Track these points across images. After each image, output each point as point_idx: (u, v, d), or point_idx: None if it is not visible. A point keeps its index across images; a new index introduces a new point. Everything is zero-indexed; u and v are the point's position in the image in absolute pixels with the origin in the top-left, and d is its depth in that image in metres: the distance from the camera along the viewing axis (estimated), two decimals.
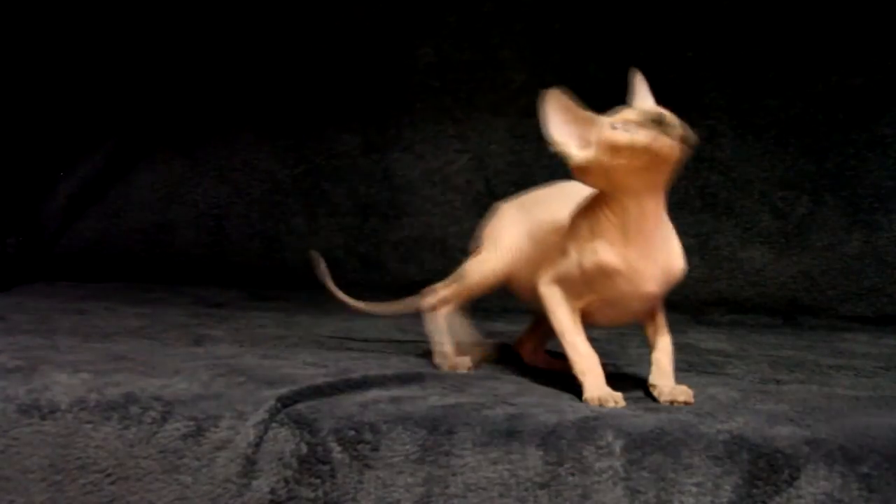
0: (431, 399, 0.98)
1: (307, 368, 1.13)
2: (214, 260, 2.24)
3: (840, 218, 1.92)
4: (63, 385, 1.00)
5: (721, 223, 1.98)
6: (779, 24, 1.98)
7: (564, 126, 1.04)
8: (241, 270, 2.21)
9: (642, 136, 0.97)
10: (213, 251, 2.24)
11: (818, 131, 1.95)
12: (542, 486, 0.85)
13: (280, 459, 0.90)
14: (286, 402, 0.96)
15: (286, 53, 2.23)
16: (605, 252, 1.02)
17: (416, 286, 1.97)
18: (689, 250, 1.94)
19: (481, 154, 2.11)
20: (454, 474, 0.87)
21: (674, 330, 1.75)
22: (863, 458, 0.83)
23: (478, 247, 1.26)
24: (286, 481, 0.90)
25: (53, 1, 2.21)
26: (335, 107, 2.23)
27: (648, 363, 1.10)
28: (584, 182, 1.04)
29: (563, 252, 1.07)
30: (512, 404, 0.97)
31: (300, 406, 0.95)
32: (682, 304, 1.96)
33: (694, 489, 0.83)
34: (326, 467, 0.89)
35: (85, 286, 2.08)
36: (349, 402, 0.96)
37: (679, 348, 1.49)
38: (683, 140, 0.98)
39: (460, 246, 2.06)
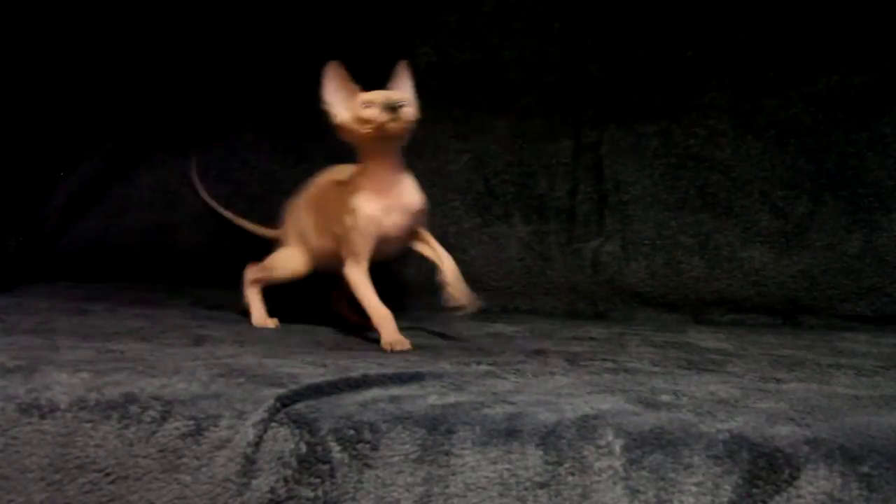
0: (431, 398, 0.98)
1: (307, 368, 1.13)
2: (214, 260, 2.23)
3: (840, 218, 1.92)
4: (63, 385, 1.00)
5: (721, 223, 1.98)
6: (779, 24, 1.98)
7: (335, 93, 1.41)
8: (241, 270, 2.21)
9: (380, 117, 1.36)
10: (213, 251, 2.24)
11: (818, 131, 1.95)
12: (542, 485, 0.85)
13: (280, 459, 0.90)
14: (286, 401, 0.96)
15: (286, 53, 2.23)
16: (364, 208, 1.42)
17: (416, 286, 1.98)
18: (689, 250, 1.99)
19: (481, 154, 2.11)
20: (454, 474, 0.87)
21: (674, 329, 1.77)
22: (863, 458, 0.82)
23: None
24: (286, 481, 0.89)
25: (53, 2, 2.21)
26: None
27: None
28: (342, 136, 1.43)
29: (344, 229, 1.44)
30: (511, 403, 0.97)
31: (300, 405, 0.95)
32: (682, 303, 1.96)
33: (694, 489, 0.83)
34: (326, 467, 0.89)
35: (85, 286, 2.08)
36: (349, 402, 0.96)
37: (679, 347, 1.50)
38: (406, 121, 1.38)
39: (460, 246, 2.06)
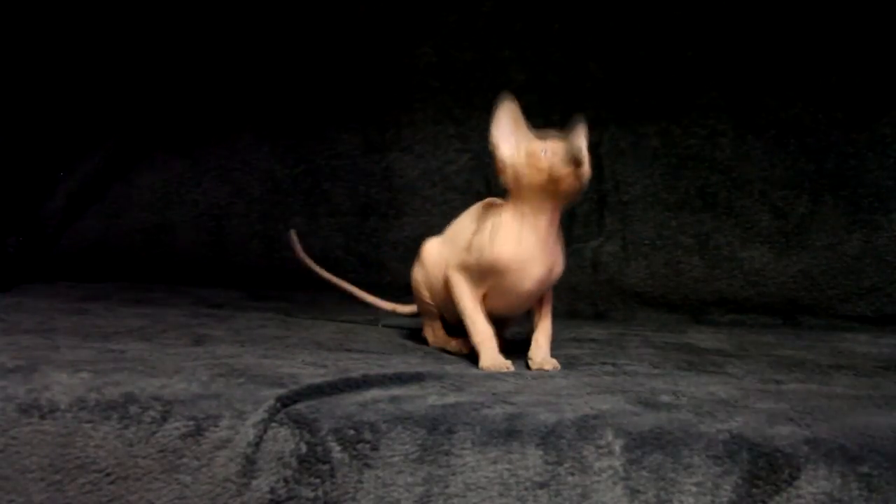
0: (431, 398, 0.98)
1: (307, 368, 1.13)
2: (214, 260, 2.24)
3: (840, 218, 1.92)
4: (63, 385, 1.00)
5: (721, 223, 1.98)
6: (779, 24, 1.98)
7: (506, 130, 1.23)
8: (241, 270, 2.21)
9: (559, 167, 1.18)
10: (213, 251, 2.24)
11: (818, 131, 1.95)
12: (542, 485, 0.85)
13: (280, 459, 0.90)
14: (286, 401, 0.96)
15: (286, 53, 2.23)
16: (500, 248, 1.22)
17: None
18: (689, 250, 1.99)
19: (481, 154, 2.11)
20: (454, 474, 0.87)
21: (674, 330, 1.77)
22: (863, 458, 0.82)
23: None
24: (286, 481, 0.89)
25: (53, 1, 2.21)
26: (335, 107, 2.23)
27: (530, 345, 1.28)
28: (500, 177, 1.25)
29: (468, 246, 1.27)
30: (511, 403, 0.97)
31: (300, 406, 0.95)
32: (682, 304, 1.96)
33: (694, 489, 0.83)
34: (326, 467, 0.89)
35: (85, 286, 2.08)
36: (349, 402, 0.96)
37: (679, 348, 1.50)
38: (584, 180, 1.19)
39: None
